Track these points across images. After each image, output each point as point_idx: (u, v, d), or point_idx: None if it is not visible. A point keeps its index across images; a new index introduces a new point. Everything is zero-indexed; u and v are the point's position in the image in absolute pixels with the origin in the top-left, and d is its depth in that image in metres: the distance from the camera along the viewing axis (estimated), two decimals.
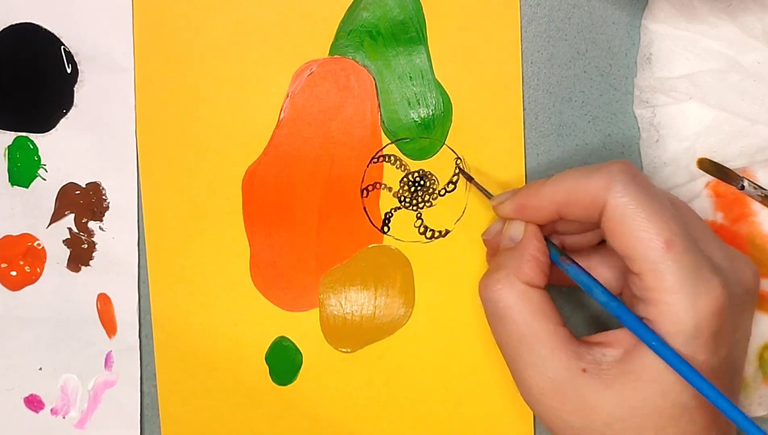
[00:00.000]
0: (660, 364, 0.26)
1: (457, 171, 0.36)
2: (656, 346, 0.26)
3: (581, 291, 0.35)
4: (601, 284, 0.29)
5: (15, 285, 0.37)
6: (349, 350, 0.37)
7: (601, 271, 0.32)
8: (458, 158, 0.36)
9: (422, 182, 0.36)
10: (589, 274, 0.29)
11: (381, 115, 0.36)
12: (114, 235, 0.37)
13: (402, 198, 0.36)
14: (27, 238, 0.37)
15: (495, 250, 0.33)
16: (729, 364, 0.27)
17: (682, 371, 0.25)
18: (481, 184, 0.35)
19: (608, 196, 0.27)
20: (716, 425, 0.27)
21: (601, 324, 0.37)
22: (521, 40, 0.36)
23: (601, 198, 0.27)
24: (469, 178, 0.35)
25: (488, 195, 0.34)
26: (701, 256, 0.26)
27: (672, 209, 0.27)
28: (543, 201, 0.29)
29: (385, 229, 0.36)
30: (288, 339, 0.37)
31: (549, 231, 0.32)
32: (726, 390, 0.27)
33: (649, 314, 0.26)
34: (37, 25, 0.36)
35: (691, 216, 0.29)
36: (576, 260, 0.31)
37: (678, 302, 0.25)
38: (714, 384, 0.25)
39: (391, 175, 0.36)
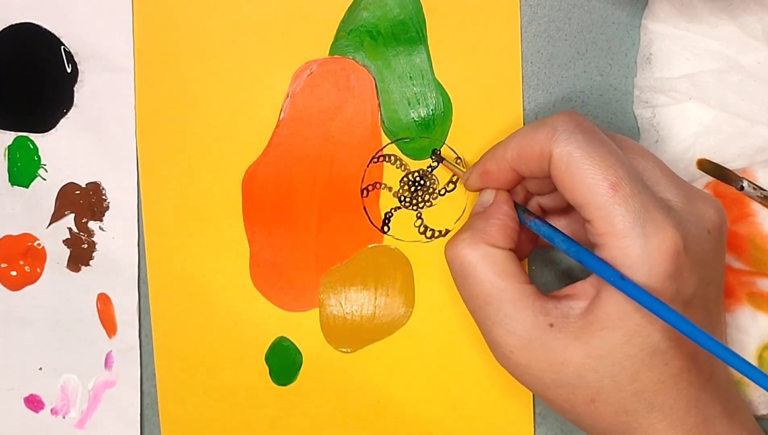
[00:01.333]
0: (623, 309, 0.26)
1: (433, 157, 0.36)
2: (619, 282, 0.25)
3: (553, 251, 0.36)
4: (561, 232, 0.29)
5: (15, 285, 0.37)
6: (349, 350, 0.37)
7: (576, 227, 0.32)
8: (458, 158, 0.36)
9: (422, 182, 0.36)
10: (550, 225, 0.29)
11: (381, 115, 0.36)
12: (114, 235, 0.37)
13: (402, 198, 0.36)
14: (27, 238, 0.37)
15: None
16: (698, 302, 0.27)
17: (647, 303, 0.25)
18: (452, 163, 0.35)
19: (552, 146, 0.27)
20: (695, 366, 0.27)
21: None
22: (521, 40, 0.36)
23: (547, 149, 0.27)
24: (440, 160, 0.36)
25: (461, 172, 0.34)
26: (650, 198, 0.26)
27: (618, 153, 0.27)
28: (499, 162, 0.29)
29: (385, 228, 0.36)
30: (288, 339, 0.37)
31: (524, 196, 0.33)
32: (700, 326, 0.27)
33: (604, 259, 0.26)
34: (37, 25, 0.36)
35: (646, 158, 0.29)
36: (556, 218, 0.31)
37: (629, 245, 0.25)
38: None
39: (391, 175, 0.36)
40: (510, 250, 0.29)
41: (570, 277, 0.37)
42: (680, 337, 0.26)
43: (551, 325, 0.27)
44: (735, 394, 0.29)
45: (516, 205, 0.31)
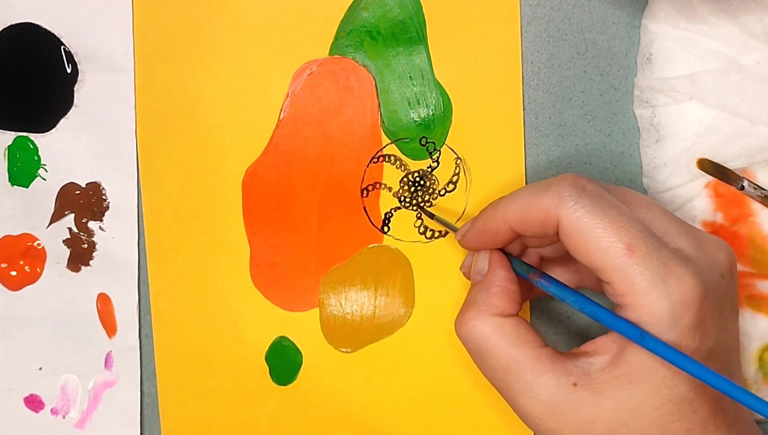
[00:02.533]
0: (648, 362, 0.26)
1: (419, 214, 0.36)
2: (643, 339, 0.25)
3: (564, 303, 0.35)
4: (575, 291, 0.29)
5: (15, 285, 0.37)
6: (349, 350, 0.37)
7: (585, 273, 0.32)
8: (458, 158, 0.36)
9: (422, 182, 0.36)
10: (560, 283, 0.29)
11: (381, 115, 0.36)
12: (114, 235, 0.37)
13: (402, 198, 0.36)
14: (27, 238, 0.37)
15: None
16: (721, 350, 0.27)
17: (673, 359, 0.25)
18: (446, 220, 0.35)
19: (560, 212, 0.27)
20: (721, 409, 0.27)
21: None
22: (521, 40, 0.36)
23: (553, 215, 0.27)
24: (431, 216, 0.36)
25: (453, 229, 0.34)
26: (666, 252, 0.26)
27: (627, 212, 0.27)
28: (498, 224, 0.29)
29: (385, 229, 0.36)
30: (288, 339, 0.37)
31: (520, 247, 0.32)
32: (723, 373, 0.27)
33: (628, 318, 0.26)
34: (37, 25, 0.36)
35: (652, 210, 0.29)
36: (557, 267, 0.31)
37: (652, 302, 0.25)
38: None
39: (391, 175, 0.36)
40: (517, 314, 0.29)
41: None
42: (705, 385, 0.26)
43: (575, 385, 0.27)
44: (758, 432, 0.30)
45: (518, 262, 0.31)
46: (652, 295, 0.25)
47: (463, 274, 0.34)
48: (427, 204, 0.36)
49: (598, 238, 0.26)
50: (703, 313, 0.26)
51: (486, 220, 0.30)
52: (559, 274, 0.33)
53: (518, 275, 0.30)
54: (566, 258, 0.32)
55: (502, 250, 0.31)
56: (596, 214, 0.26)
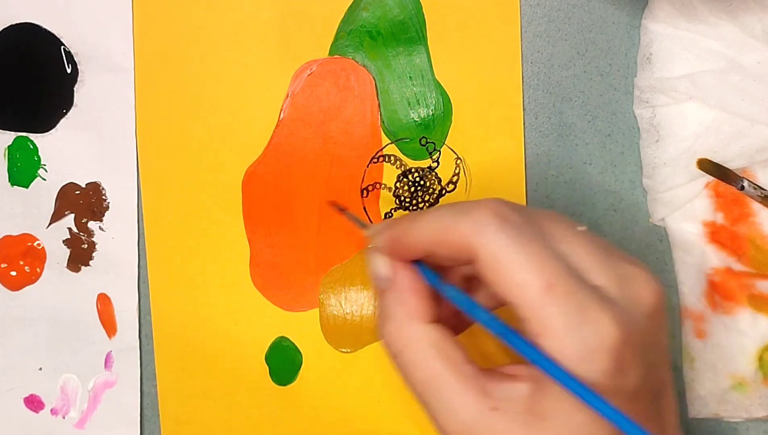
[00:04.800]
0: (568, 405, 0.24)
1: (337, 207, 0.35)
2: (562, 377, 0.24)
3: None
4: (488, 311, 0.26)
5: (15, 285, 0.37)
6: (349, 350, 0.37)
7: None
8: (458, 158, 0.36)
9: (422, 182, 0.36)
10: (472, 301, 0.27)
11: (381, 115, 0.36)
12: (114, 235, 0.37)
13: (402, 198, 0.36)
14: (27, 238, 0.37)
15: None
16: (645, 393, 0.26)
17: (585, 397, 0.24)
18: (355, 215, 0.34)
19: (478, 244, 0.25)
20: None
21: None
22: (521, 40, 0.36)
23: (470, 243, 0.25)
24: (341, 210, 0.34)
25: (361, 225, 0.32)
26: (586, 293, 0.25)
27: (549, 247, 0.25)
28: (415, 239, 0.27)
29: None
30: (288, 339, 0.37)
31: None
32: (648, 415, 0.26)
33: None
34: (37, 25, 0.36)
35: (576, 242, 0.26)
36: (476, 287, 0.29)
37: (566, 346, 0.24)
38: (630, 413, 0.24)
39: (391, 175, 0.36)
40: (438, 322, 0.27)
41: None
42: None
43: (495, 409, 0.25)
44: None
45: (427, 271, 0.28)
46: (566, 339, 0.24)
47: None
48: (427, 204, 0.36)
49: (516, 273, 0.24)
50: (622, 358, 0.24)
51: (401, 233, 0.28)
52: (482, 293, 0.30)
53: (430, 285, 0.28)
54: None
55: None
56: (516, 248, 0.25)
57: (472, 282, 0.30)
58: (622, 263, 0.27)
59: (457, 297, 0.27)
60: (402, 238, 0.28)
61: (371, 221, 0.36)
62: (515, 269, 0.24)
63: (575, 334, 0.24)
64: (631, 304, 0.26)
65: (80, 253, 0.37)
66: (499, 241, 0.25)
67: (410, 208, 0.36)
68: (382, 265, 0.28)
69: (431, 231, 0.27)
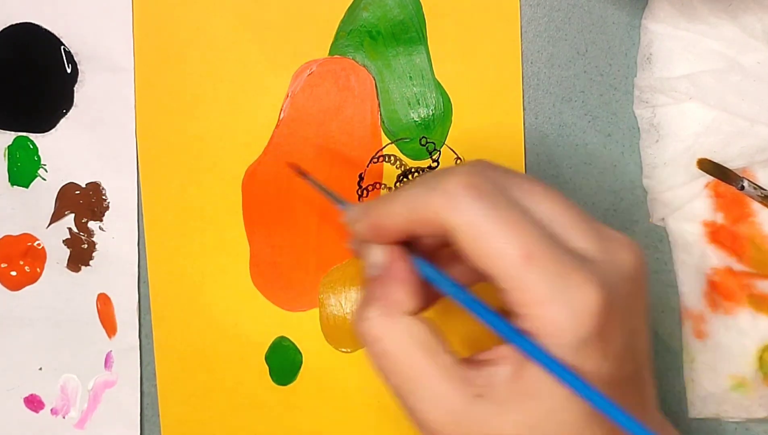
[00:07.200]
0: (549, 382, 0.24)
1: (298, 171, 0.33)
2: (539, 357, 0.24)
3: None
4: (463, 289, 0.26)
5: (15, 285, 0.37)
6: (349, 350, 0.37)
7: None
8: (458, 158, 0.36)
9: None
10: (447, 278, 0.27)
11: (381, 115, 0.36)
12: (114, 235, 0.37)
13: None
14: (27, 238, 0.37)
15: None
16: (629, 355, 0.25)
17: (571, 383, 0.23)
18: (319, 182, 0.32)
19: (451, 217, 0.24)
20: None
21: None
22: (521, 40, 0.36)
23: (444, 220, 0.24)
24: (304, 175, 0.33)
25: (339, 202, 0.30)
26: (566, 258, 0.24)
27: (526, 214, 0.24)
28: (392, 222, 0.26)
29: None
30: (288, 339, 0.37)
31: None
32: (631, 387, 0.26)
33: (527, 328, 0.24)
34: (37, 25, 0.36)
35: (553, 204, 0.26)
36: (458, 268, 0.28)
37: (553, 313, 0.23)
38: (614, 387, 0.24)
39: (391, 175, 0.36)
40: (420, 313, 0.26)
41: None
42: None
43: (478, 395, 0.25)
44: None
45: (418, 258, 0.27)
46: (550, 305, 0.23)
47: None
48: None
49: (493, 244, 0.24)
50: (606, 320, 0.24)
51: (378, 218, 0.27)
52: (458, 273, 0.29)
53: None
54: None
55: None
56: (490, 219, 0.24)
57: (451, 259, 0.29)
58: (599, 226, 0.26)
59: (432, 277, 0.26)
60: (379, 222, 0.27)
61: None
62: (491, 240, 0.24)
63: (558, 300, 0.23)
64: (613, 267, 0.25)
65: (80, 253, 0.37)
66: (473, 213, 0.24)
67: None
68: (375, 252, 0.27)
69: (406, 211, 0.26)
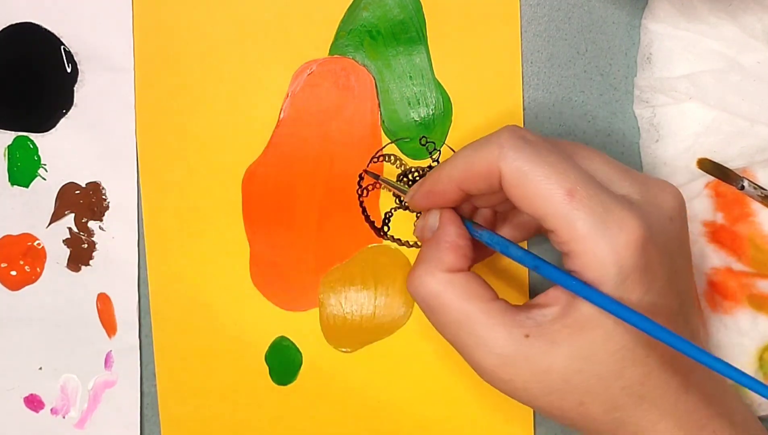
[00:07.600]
0: (595, 312, 0.26)
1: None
2: (583, 291, 0.25)
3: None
4: (517, 245, 0.29)
5: (15, 285, 0.37)
6: (349, 350, 0.37)
7: (535, 229, 0.32)
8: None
9: None
10: (502, 238, 0.29)
11: (381, 114, 0.36)
12: (114, 235, 0.37)
13: (402, 198, 0.36)
14: (27, 237, 0.37)
15: None
16: (672, 293, 0.27)
17: (613, 310, 0.25)
18: (394, 182, 0.35)
19: (501, 164, 0.27)
20: (678, 357, 0.27)
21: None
22: (521, 40, 0.36)
23: (495, 168, 0.27)
24: (376, 177, 0.35)
25: (402, 192, 0.34)
26: (608, 196, 0.26)
27: (568, 158, 0.27)
28: (445, 183, 0.29)
29: (385, 228, 0.36)
30: (288, 339, 0.37)
31: (470, 210, 0.32)
32: (676, 319, 0.27)
33: (574, 266, 0.26)
34: (37, 25, 0.36)
35: (596, 159, 0.29)
36: (509, 227, 0.32)
37: (595, 247, 0.25)
38: (658, 317, 0.25)
39: (391, 175, 0.36)
40: (469, 269, 0.29)
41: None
42: None
43: (527, 336, 0.27)
44: (720, 379, 0.29)
45: (464, 220, 0.30)
46: (593, 239, 0.25)
47: (416, 237, 0.33)
48: None
49: (539, 185, 0.26)
50: (648, 256, 0.26)
51: (433, 181, 0.30)
52: (509, 232, 0.33)
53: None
54: (517, 217, 0.32)
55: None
56: (536, 162, 0.26)
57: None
58: (640, 174, 0.28)
59: (491, 240, 0.29)
60: (434, 188, 0.30)
61: (372, 220, 0.36)
62: (537, 182, 0.26)
63: (601, 233, 0.25)
64: (654, 208, 0.27)
65: (80, 253, 0.37)
66: (521, 157, 0.26)
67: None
68: (431, 216, 0.30)
69: (458, 169, 0.28)
